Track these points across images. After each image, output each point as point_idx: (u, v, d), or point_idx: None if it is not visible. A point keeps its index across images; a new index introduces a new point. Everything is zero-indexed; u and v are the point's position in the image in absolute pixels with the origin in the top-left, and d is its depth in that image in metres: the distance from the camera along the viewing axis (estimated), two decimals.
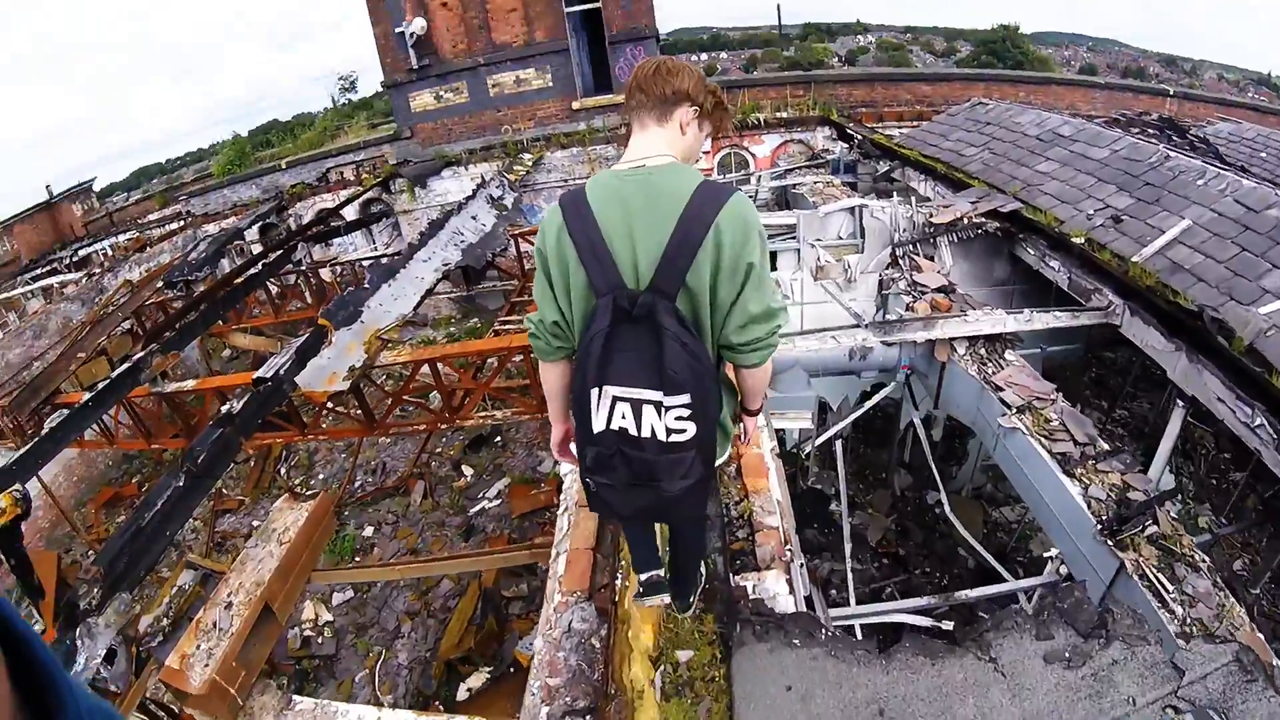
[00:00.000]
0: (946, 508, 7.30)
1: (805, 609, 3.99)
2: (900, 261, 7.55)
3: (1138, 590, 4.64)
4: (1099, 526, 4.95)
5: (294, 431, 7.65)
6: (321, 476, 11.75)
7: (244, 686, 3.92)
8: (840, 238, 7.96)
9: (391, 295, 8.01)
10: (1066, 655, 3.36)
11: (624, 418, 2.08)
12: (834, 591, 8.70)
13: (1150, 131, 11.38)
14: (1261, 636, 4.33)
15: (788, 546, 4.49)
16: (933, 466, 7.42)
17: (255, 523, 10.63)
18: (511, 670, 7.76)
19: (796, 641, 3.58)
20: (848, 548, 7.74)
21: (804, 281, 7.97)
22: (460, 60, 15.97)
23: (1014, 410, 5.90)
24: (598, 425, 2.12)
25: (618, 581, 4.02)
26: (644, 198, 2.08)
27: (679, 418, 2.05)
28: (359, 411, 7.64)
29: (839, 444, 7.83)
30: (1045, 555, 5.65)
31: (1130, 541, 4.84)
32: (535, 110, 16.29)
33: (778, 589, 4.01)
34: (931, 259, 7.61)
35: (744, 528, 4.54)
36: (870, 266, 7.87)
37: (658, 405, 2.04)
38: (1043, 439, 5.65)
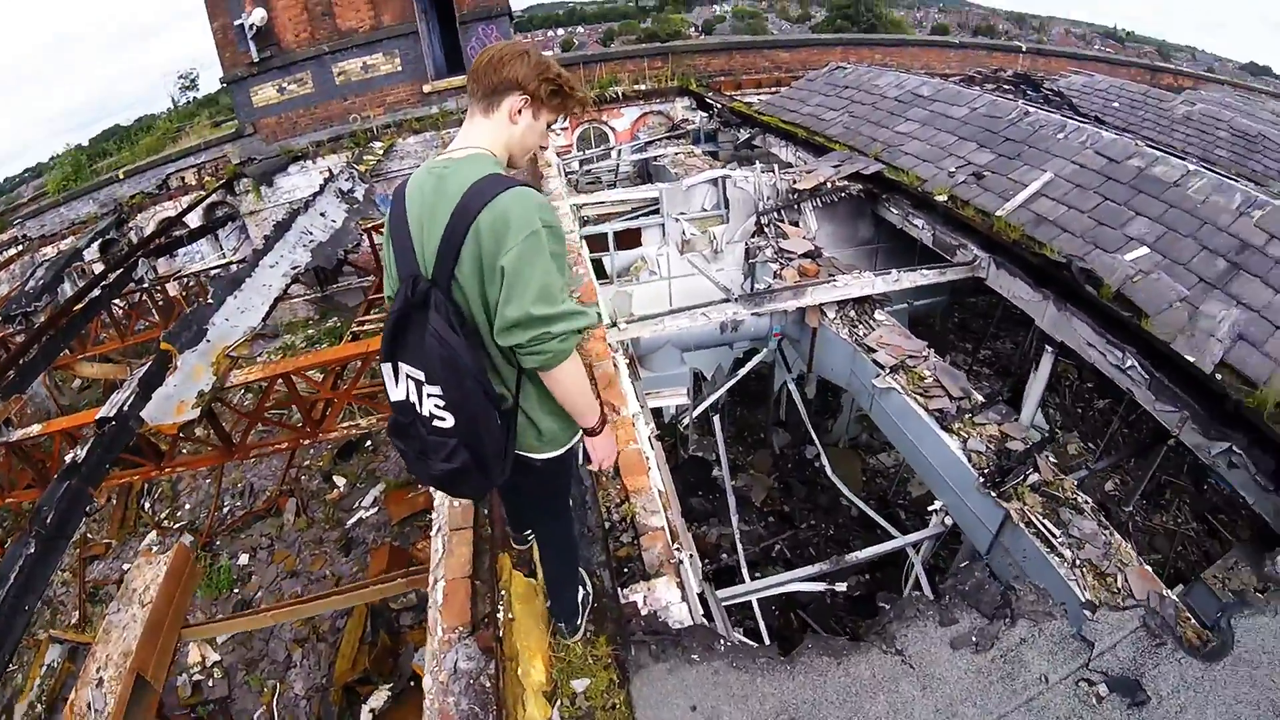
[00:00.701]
0: (826, 465, 7.16)
1: (701, 617, 3.66)
2: (766, 230, 7.31)
3: (1025, 538, 4.58)
4: (981, 479, 4.87)
5: (149, 467, 6.82)
6: (188, 506, 10.69)
7: None
8: (704, 209, 7.64)
9: (238, 308, 7.23)
10: (973, 639, 3.15)
11: (410, 394, 2.20)
12: (724, 556, 8.54)
13: (1006, 88, 11.58)
14: (1149, 568, 4.33)
15: (676, 545, 4.14)
16: (808, 424, 7.27)
17: (126, 566, 9.55)
18: (412, 684, 7.25)
19: (695, 657, 3.24)
20: (734, 515, 7.54)
21: (670, 256, 7.62)
22: (304, 49, 14.77)
23: (888, 370, 5.76)
24: (396, 395, 2.24)
25: (500, 613, 3.57)
26: (435, 191, 2.09)
27: (437, 405, 2.15)
28: (216, 438, 6.85)
29: (715, 412, 7.63)
30: (930, 509, 5.55)
31: (1014, 491, 4.76)
32: (385, 96, 15.31)
33: (669, 598, 3.65)
34: (797, 224, 7.40)
35: (627, 531, 4.15)
36: (736, 236, 7.60)
37: (419, 387, 2.16)
38: (918, 396, 5.52)
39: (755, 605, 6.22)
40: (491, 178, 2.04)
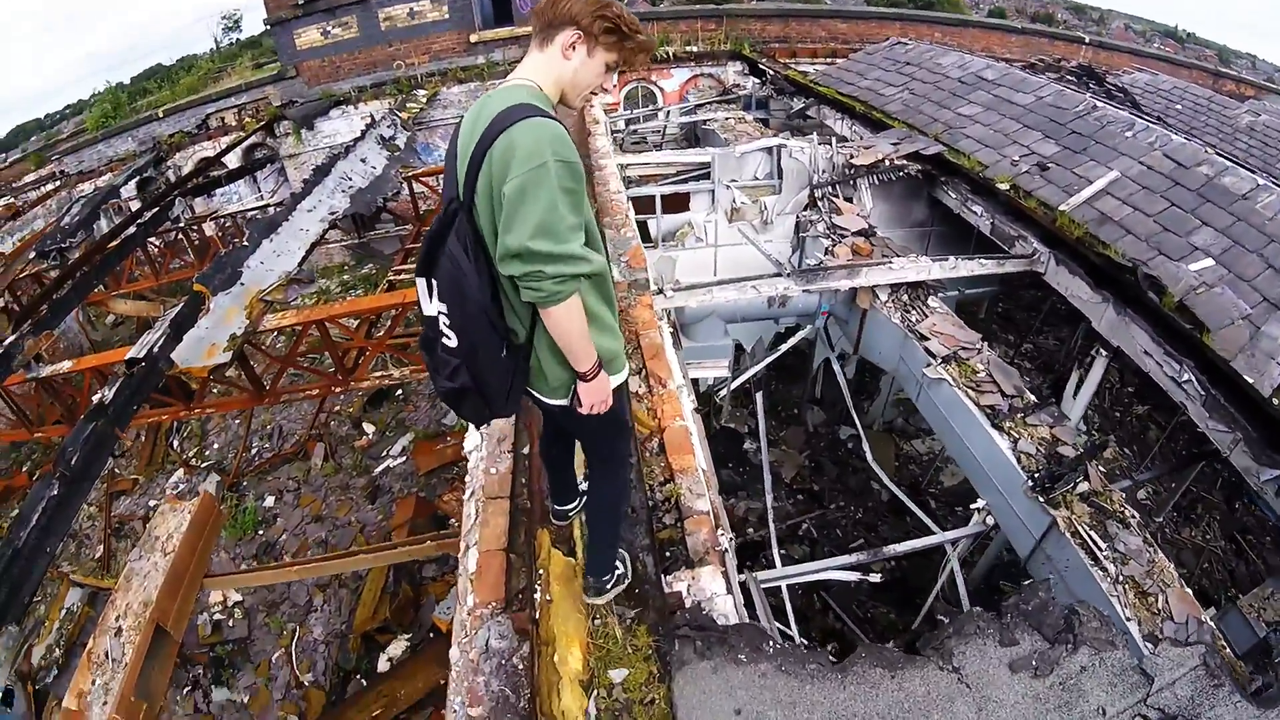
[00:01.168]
0: (866, 448, 6.93)
1: (745, 612, 3.48)
2: (819, 203, 7.00)
3: (1069, 548, 4.37)
4: (1030, 483, 4.63)
5: (179, 407, 6.74)
6: (216, 445, 10.65)
7: None
8: (757, 178, 7.32)
9: (274, 252, 7.06)
10: (1033, 663, 2.95)
11: (436, 311, 2.24)
12: (750, 530, 8.38)
13: (1069, 79, 11.00)
14: (1190, 592, 4.11)
15: (720, 531, 3.95)
16: (849, 402, 7.03)
17: (152, 503, 9.54)
18: (431, 636, 7.20)
19: (743, 657, 3.06)
20: (768, 493, 7.34)
21: (718, 223, 7.33)
22: None
23: (939, 360, 5.49)
24: (428, 311, 2.27)
25: (536, 594, 3.40)
26: (475, 117, 2.11)
27: (444, 324, 2.23)
28: (246, 381, 6.73)
29: (754, 386, 7.40)
30: (973, 507, 5.31)
31: (1063, 499, 4.52)
32: (430, 44, 14.88)
33: (714, 588, 3.47)
34: (850, 201, 7.08)
35: (671, 512, 3.96)
36: (788, 208, 7.29)
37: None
38: (970, 391, 5.27)
39: (784, 588, 6.05)
40: (520, 106, 2.00)
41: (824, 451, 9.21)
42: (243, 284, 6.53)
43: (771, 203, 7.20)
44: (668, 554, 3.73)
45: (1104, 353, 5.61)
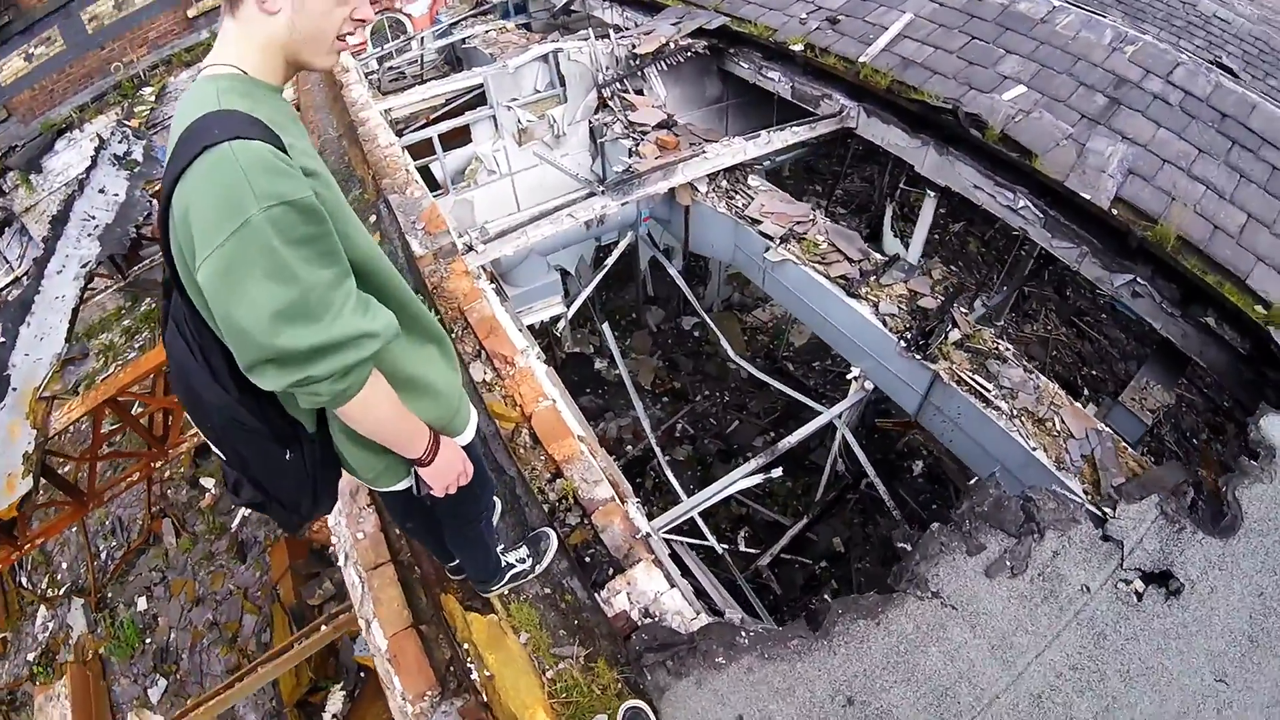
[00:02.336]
0: (719, 338, 6.59)
1: (686, 585, 3.04)
2: (610, 103, 6.27)
3: (957, 396, 4.25)
4: (902, 344, 4.43)
5: (5, 552, 5.49)
6: (65, 565, 8.82)
7: None
8: (538, 90, 6.44)
9: (35, 337, 5.85)
10: (1007, 563, 2.73)
11: None
12: (629, 448, 8.07)
13: None
14: (1080, 406, 4.13)
15: (627, 503, 3.46)
16: (686, 293, 6.65)
17: (30, 656, 7.81)
18: (363, 675, 6.45)
19: (720, 659, 2.66)
20: (638, 403, 6.97)
21: (508, 150, 6.46)
22: (45, 3, 11.60)
23: (778, 242, 5.13)
24: None
25: (471, 672, 2.80)
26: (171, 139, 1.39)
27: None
28: (63, 494, 5.56)
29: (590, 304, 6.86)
30: (850, 377, 5.15)
31: (938, 351, 4.37)
32: (146, 33, 12.49)
33: (655, 586, 3.01)
34: (642, 93, 6.40)
35: (572, 510, 3.41)
36: (578, 116, 6.51)
37: None
38: (817, 265, 4.96)
39: (701, 525, 5.76)
40: (200, 125, 1.28)
41: (674, 348, 8.92)
42: (14, 389, 5.35)
43: (560, 114, 6.40)
44: (588, 559, 3.20)
45: (931, 193, 5.45)
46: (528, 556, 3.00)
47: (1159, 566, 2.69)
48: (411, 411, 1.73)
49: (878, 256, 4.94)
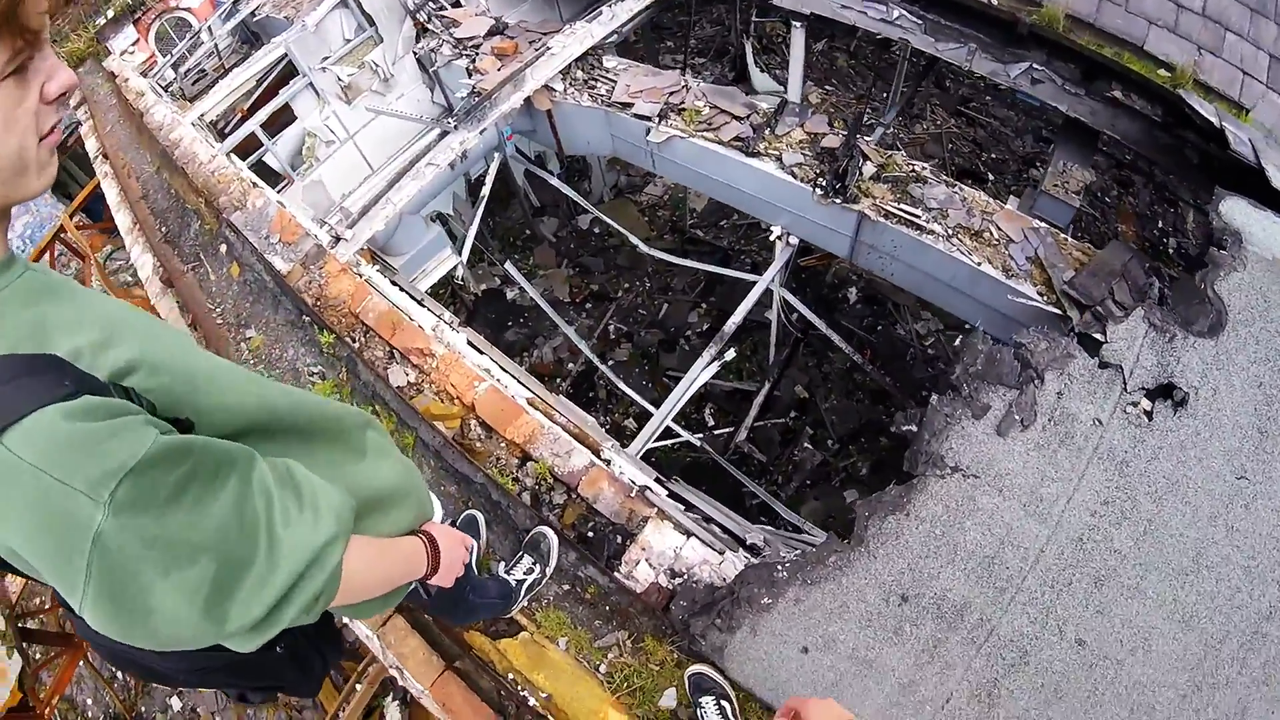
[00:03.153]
0: (627, 236, 6.22)
1: (692, 523, 2.88)
2: (430, 26, 5.52)
3: (889, 230, 4.09)
4: (818, 192, 4.20)
5: None
6: (91, 701, 7.94)
7: None
8: (349, 40, 5.62)
9: None
10: (1016, 417, 2.62)
11: None
12: (570, 366, 7.81)
13: None
14: (1011, 209, 4.02)
15: (604, 450, 3.23)
16: (573, 196, 6.26)
17: None
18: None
19: (766, 600, 2.54)
20: (560, 321, 6.66)
21: (339, 113, 5.70)
22: None
23: (656, 120, 4.73)
24: None
25: (526, 696, 2.62)
26: None
27: None
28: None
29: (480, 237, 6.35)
30: (772, 238, 4.92)
31: (859, 189, 4.15)
32: None
33: (670, 543, 2.83)
34: (460, 4, 5.64)
35: (555, 489, 3.16)
36: (400, 51, 5.74)
37: None
38: (706, 134, 4.61)
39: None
40: None
41: (578, 252, 8.48)
42: None
43: (380, 56, 5.62)
44: (590, 535, 3.00)
45: (798, 24, 5.04)
46: (533, 564, 2.78)
47: (1161, 380, 2.64)
48: (393, 535, 1.44)
49: (764, 106, 4.59)
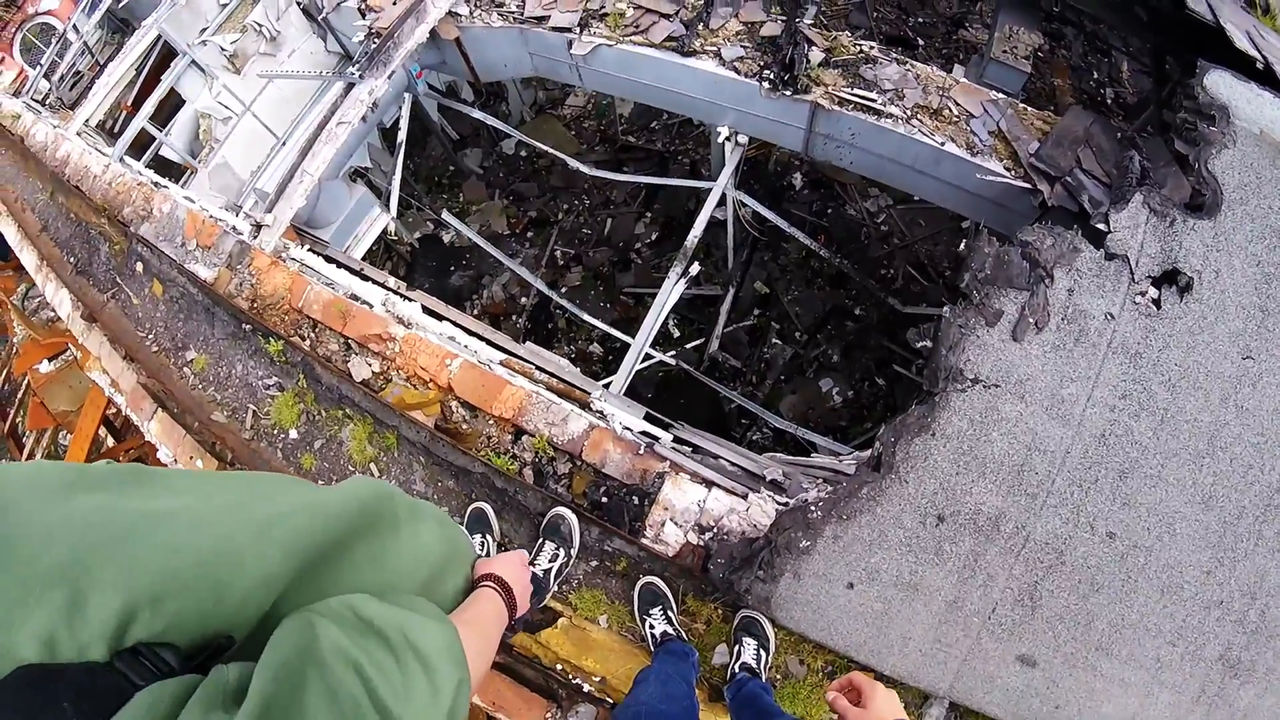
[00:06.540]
0: (556, 154, 5.84)
1: (729, 480, 2.78)
2: None
3: (845, 118, 3.88)
4: (766, 85, 3.93)
5: None
6: None
7: None
8: (224, 4, 4.95)
9: None
10: (1030, 319, 2.51)
11: None
12: (523, 300, 7.52)
13: None
14: (968, 82, 3.82)
15: (610, 417, 3.08)
16: (492, 122, 5.87)
17: None
18: None
19: (805, 543, 2.47)
20: (508, 259, 6.35)
21: (231, 85, 5.09)
22: None
23: (578, 31, 4.34)
24: None
25: (572, 679, 2.56)
26: None
27: None
28: None
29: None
30: (718, 138, 4.65)
31: (809, 78, 3.89)
32: None
33: (693, 497, 2.73)
34: None
35: (557, 459, 3.02)
36: (283, 4, 5.08)
37: None
38: (635, 38, 4.24)
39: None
40: None
41: (509, 181, 8.01)
42: None
43: (262, 13, 4.96)
44: (605, 501, 2.88)
45: None
46: (557, 549, 2.65)
47: (1165, 266, 2.54)
48: (461, 594, 1.28)
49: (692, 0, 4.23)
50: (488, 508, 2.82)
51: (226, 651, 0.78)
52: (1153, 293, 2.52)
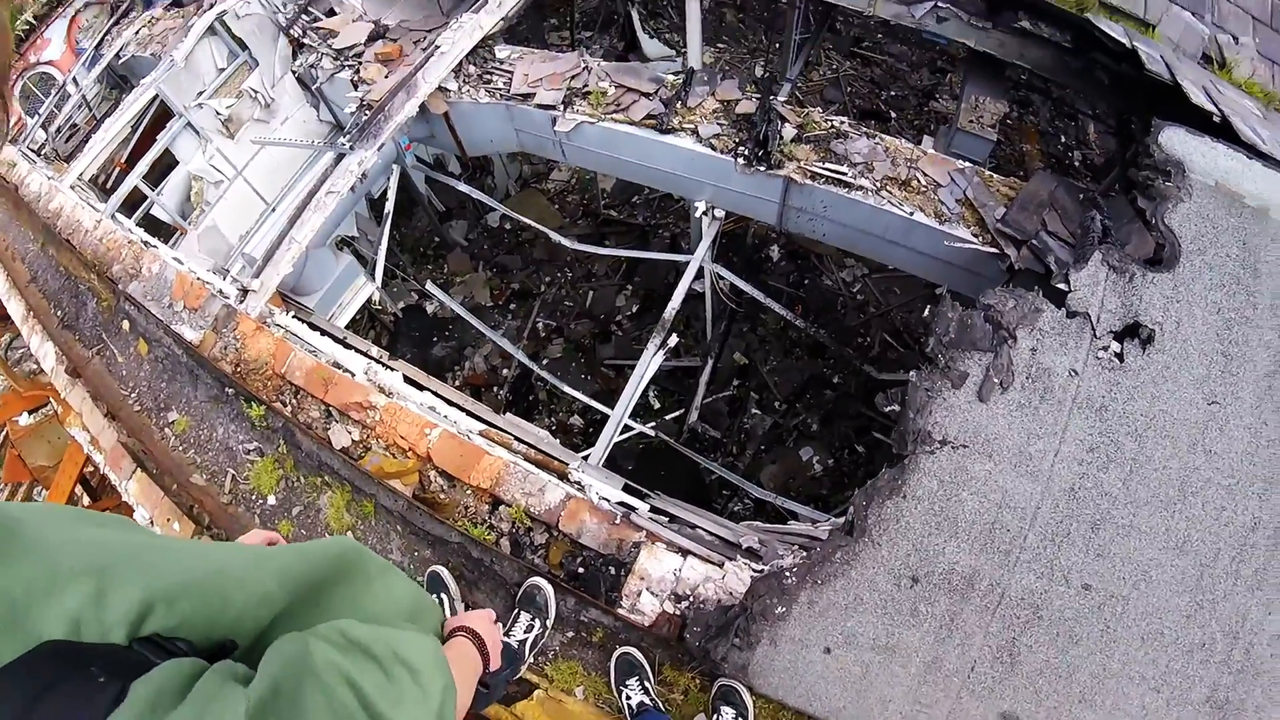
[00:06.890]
0: (539, 229, 5.98)
1: (704, 548, 2.78)
2: (306, 40, 5.08)
3: (817, 191, 4.02)
4: (741, 161, 4.09)
5: None
6: None
7: None
8: (223, 69, 5.13)
9: None
10: (995, 379, 2.58)
11: None
12: (504, 372, 7.55)
13: None
14: (935, 153, 3.98)
15: (571, 473, 3.08)
16: (479, 197, 6.03)
17: None
18: None
19: (780, 609, 2.46)
20: (484, 328, 6.38)
21: (224, 149, 5.23)
22: None
23: (562, 108, 4.52)
24: None
25: None
26: None
27: None
28: None
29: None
30: (695, 212, 4.78)
31: (782, 154, 4.06)
32: None
33: (669, 566, 2.72)
34: (334, 13, 5.20)
35: (534, 529, 3.01)
36: (278, 73, 5.28)
37: None
38: (616, 116, 4.42)
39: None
40: None
41: (493, 252, 8.17)
42: None
43: (258, 80, 5.15)
44: (582, 571, 2.86)
45: None
46: (532, 620, 2.62)
47: (1126, 321, 2.64)
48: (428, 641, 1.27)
49: (670, 78, 4.43)
50: (444, 570, 2.82)
51: (230, 654, 0.87)
52: (1115, 347, 2.61)
